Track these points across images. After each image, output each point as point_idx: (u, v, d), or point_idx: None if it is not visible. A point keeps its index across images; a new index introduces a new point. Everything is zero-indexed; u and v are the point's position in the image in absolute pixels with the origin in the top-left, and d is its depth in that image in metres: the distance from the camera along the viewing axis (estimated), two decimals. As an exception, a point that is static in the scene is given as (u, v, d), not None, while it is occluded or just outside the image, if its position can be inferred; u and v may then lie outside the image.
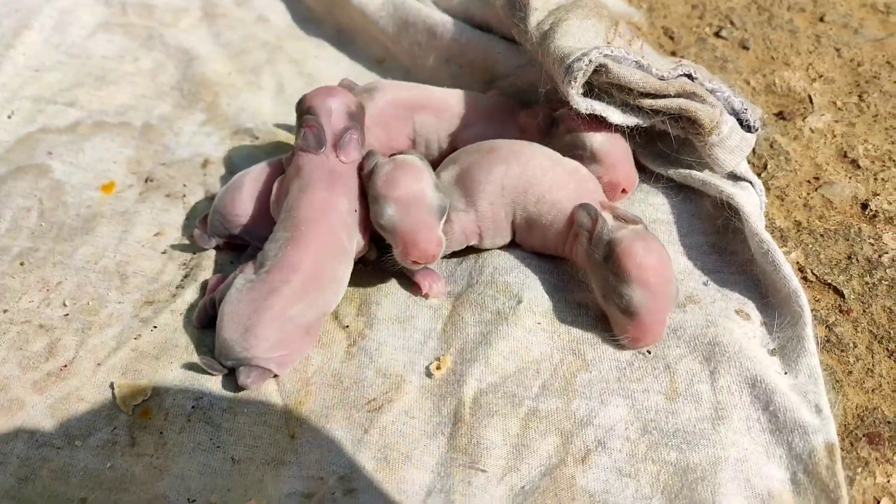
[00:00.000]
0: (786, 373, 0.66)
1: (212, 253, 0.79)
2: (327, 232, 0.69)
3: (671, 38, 1.06)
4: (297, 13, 1.09)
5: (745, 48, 1.03)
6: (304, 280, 0.67)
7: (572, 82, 0.70)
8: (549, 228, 0.71)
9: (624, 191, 0.75)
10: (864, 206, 0.82)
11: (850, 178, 0.85)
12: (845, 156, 0.88)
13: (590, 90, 0.72)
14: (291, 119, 0.89)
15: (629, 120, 0.73)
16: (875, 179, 0.85)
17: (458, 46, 0.90)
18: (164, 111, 0.93)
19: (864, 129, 0.90)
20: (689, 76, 0.73)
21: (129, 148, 0.89)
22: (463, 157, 0.75)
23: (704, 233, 0.76)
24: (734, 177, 0.75)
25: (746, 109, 0.73)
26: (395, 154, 0.74)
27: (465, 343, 0.69)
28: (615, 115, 0.73)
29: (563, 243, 0.72)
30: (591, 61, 0.69)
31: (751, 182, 0.75)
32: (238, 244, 0.79)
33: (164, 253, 0.79)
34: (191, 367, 0.69)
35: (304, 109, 0.75)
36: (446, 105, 0.81)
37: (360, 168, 0.73)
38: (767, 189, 0.84)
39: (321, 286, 0.68)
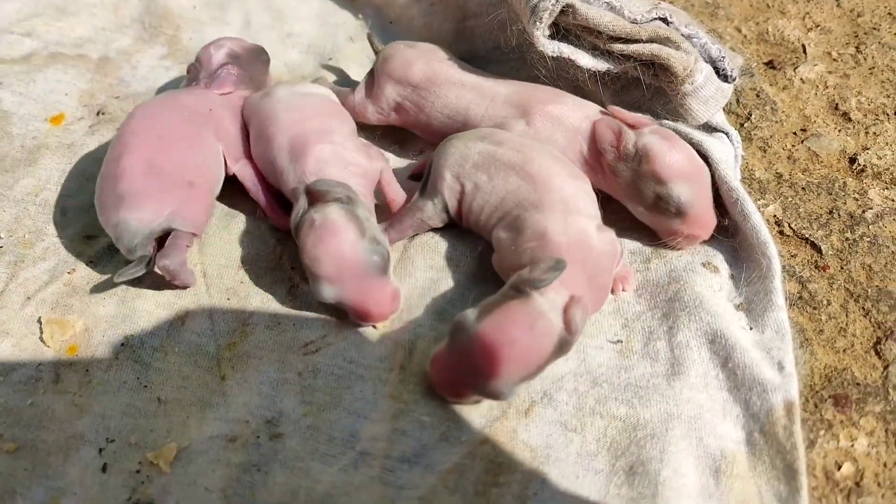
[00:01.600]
0: (751, 328, 0.62)
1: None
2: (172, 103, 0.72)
3: (661, -18, 1.00)
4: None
5: (740, -5, 0.98)
6: (146, 135, 0.68)
7: (537, 23, 0.65)
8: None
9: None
10: (853, 160, 0.77)
11: (839, 130, 0.80)
12: (836, 108, 0.83)
13: (559, 33, 0.68)
14: (253, 55, 0.85)
15: (599, 65, 0.68)
16: (866, 133, 0.79)
17: (429, -18, 0.85)
18: (124, 44, 0.90)
19: (858, 82, 0.85)
20: (665, 20, 0.68)
21: (82, 80, 0.85)
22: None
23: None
24: (709, 128, 0.70)
25: (724, 57, 0.67)
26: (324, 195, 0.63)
27: (412, 288, 0.66)
28: (584, 59, 0.68)
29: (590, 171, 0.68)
30: (557, 1, 0.64)
31: (727, 133, 0.70)
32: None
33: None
34: (125, 303, 0.66)
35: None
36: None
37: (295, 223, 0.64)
38: (749, 140, 0.79)
39: (169, 138, 0.68)
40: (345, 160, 0.67)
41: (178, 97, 0.73)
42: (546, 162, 0.64)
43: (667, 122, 0.70)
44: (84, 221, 0.72)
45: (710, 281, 0.65)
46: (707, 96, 0.68)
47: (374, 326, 0.63)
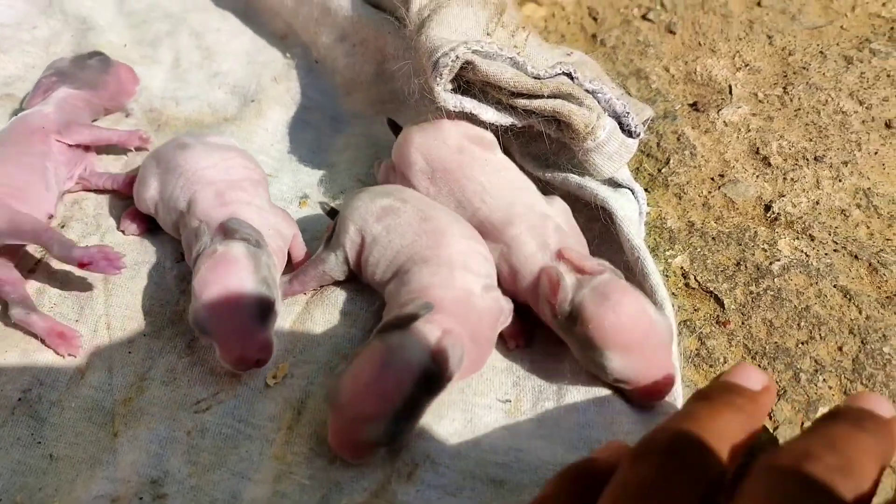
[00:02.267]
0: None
1: (70, 236, 0.75)
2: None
3: (595, 19, 1.00)
4: (209, -21, 1.05)
5: (672, 32, 0.97)
6: None
7: (438, 78, 0.65)
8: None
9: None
10: (768, 207, 0.77)
11: (757, 176, 0.80)
12: (757, 152, 0.82)
13: (465, 87, 0.68)
14: (181, 94, 0.86)
15: (503, 119, 0.68)
16: (784, 179, 0.79)
17: (350, 24, 0.85)
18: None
19: (782, 124, 0.85)
20: (570, 75, 0.68)
21: (4, 122, 0.85)
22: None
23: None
24: (614, 183, 0.70)
25: (629, 113, 0.67)
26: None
27: (308, 343, 0.66)
28: (488, 114, 0.68)
29: (535, 303, 0.64)
30: (457, 57, 0.64)
31: (632, 190, 0.70)
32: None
33: (20, 234, 0.76)
34: (27, 354, 0.66)
35: None
36: None
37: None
38: (666, 186, 0.79)
39: None
40: (266, 221, 0.68)
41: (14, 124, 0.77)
42: (444, 221, 0.65)
43: (572, 176, 0.70)
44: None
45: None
46: (611, 152, 0.68)
47: (267, 384, 0.64)
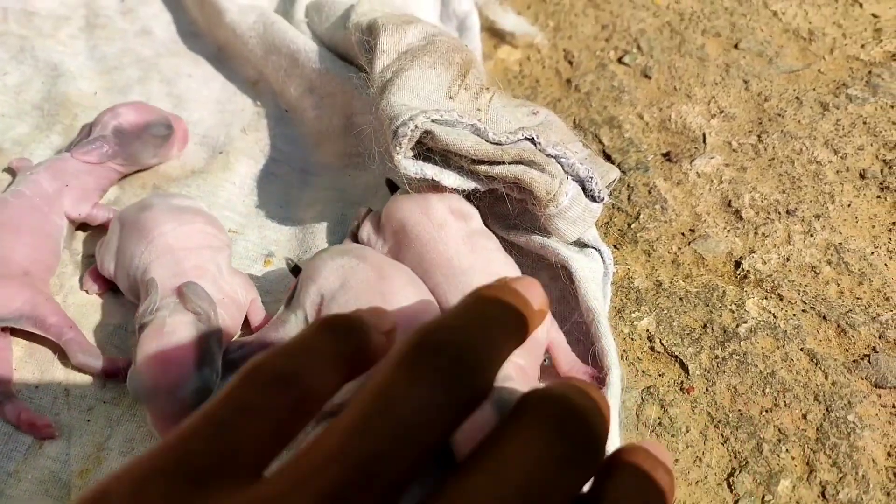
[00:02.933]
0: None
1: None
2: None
3: (570, 62, 0.99)
4: (182, 26, 1.04)
5: (647, 77, 0.96)
6: None
7: (398, 147, 0.64)
8: None
9: None
10: (738, 264, 0.76)
11: (728, 231, 0.79)
12: (729, 205, 0.82)
13: (426, 152, 0.67)
14: (149, 145, 0.85)
15: (466, 184, 0.67)
16: (755, 234, 0.79)
17: (318, 77, 0.84)
18: (21, 132, 0.89)
19: (755, 175, 0.84)
20: (532, 140, 0.67)
21: (-17, 173, 0.85)
22: None
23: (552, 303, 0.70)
24: (581, 243, 0.70)
25: (592, 178, 0.67)
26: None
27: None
28: (450, 179, 0.67)
29: None
30: (416, 127, 0.63)
31: (598, 250, 0.70)
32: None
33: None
34: (-15, 424, 0.66)
35: None
36: None
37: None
38: (635, 242, 0.79)
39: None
40: (221, 290, 0.67)
41: (31, 180, 0.76)
42: (399, 281, 0.64)
43: (536, 236, 0.70)
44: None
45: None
46: (574, 217, 0.67)
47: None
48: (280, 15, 0.93)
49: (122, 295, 0.74)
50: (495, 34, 0.98)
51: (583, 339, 0.67)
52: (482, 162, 0.66)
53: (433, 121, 0.63)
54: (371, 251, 0.68)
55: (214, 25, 0.98)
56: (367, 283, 0.64)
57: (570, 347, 0.68)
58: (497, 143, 0.66)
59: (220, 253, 0.70)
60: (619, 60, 0.99)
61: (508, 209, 0.71)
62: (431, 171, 0.67)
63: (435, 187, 0.68)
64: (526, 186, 0.65)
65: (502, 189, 0.68)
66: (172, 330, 0.61)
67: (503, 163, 0.65)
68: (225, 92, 0.94)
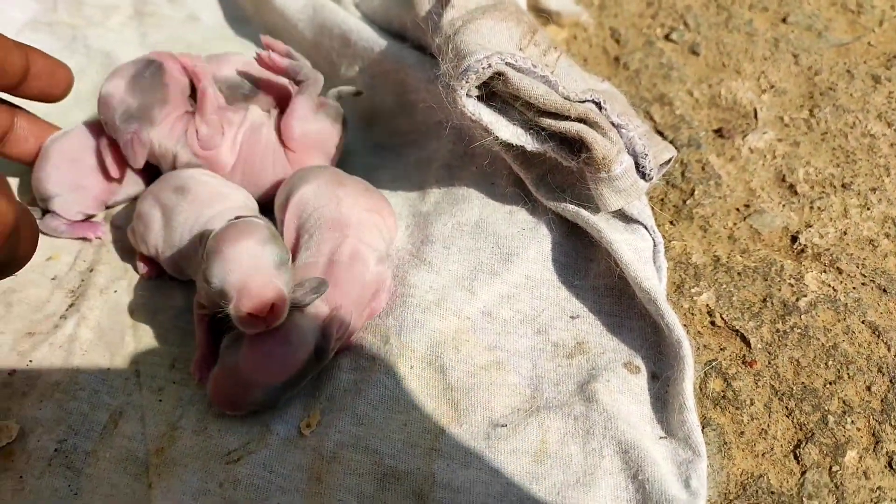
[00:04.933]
0: (666, 436, 0.62)
1: (99, 280, 0.77)
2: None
3: (617, 41, 0.99)
4: (228, 11, 1.04)
5: (696, 53, 0.96)
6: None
7: (464, 82, 0.64)
8: None
9: None
10: (794, 238, 0.76)
11: (783, 205, 0.79)
12: (783, 180, 0.82)
13: (489, 98, 0.67)
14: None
15: (518, 139, 0.67)
16: (811, 208, 0.79)
17: (370, 56, 0.85)
18: (78, 119, 0.91)
19: (808, 150, 0.84)
20: (599, 104, 0.67)
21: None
22: None
23: (601, 275, 0.71)
24: (626, 218, 0.70)
25: (647, 155, 0.67)
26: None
27: (335, 390, 0.67)
28: (503, 130, 0.67)
29: None
30: (489, 65, 0.63)
31: (644, 225, 0.70)
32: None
33: (53, 279, 0.77)
34: (61, 405, 0.68)
35: None
36: None
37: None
38: (691, 219, 0.79)
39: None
40: None
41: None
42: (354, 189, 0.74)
43: (583, 211, 0.69)
44: (28, 318, 0.74)
45: (629, 383, 0.65)
46: (621, 188, 0.67)
47: (301, 433, 0.64)
48: (326, -3, 0.94)
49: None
50: (541, 14, 0.98)
51: (646, 313, 0.68)
52: (548, 114, 0.65)
53: (507, 63, 0.64)
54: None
55: (262, 10, 0.99)
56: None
57: (634, 322, 0.68)
58: (566, 98, 0.66)
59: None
60: (667, 37, 0.99)
61: (559, 180, 0.71)
62: (488, 116, 0.66)
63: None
64: (587, 145, 0.64)
65: (550, 152, 0.68)
66: (242, 221, 0.64)
67: (568, 118, 0.65)
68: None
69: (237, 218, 0.65)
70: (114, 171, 0.78)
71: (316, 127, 0.78)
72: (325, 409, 0.65)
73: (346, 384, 0.67)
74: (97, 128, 0.81)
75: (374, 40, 0.85)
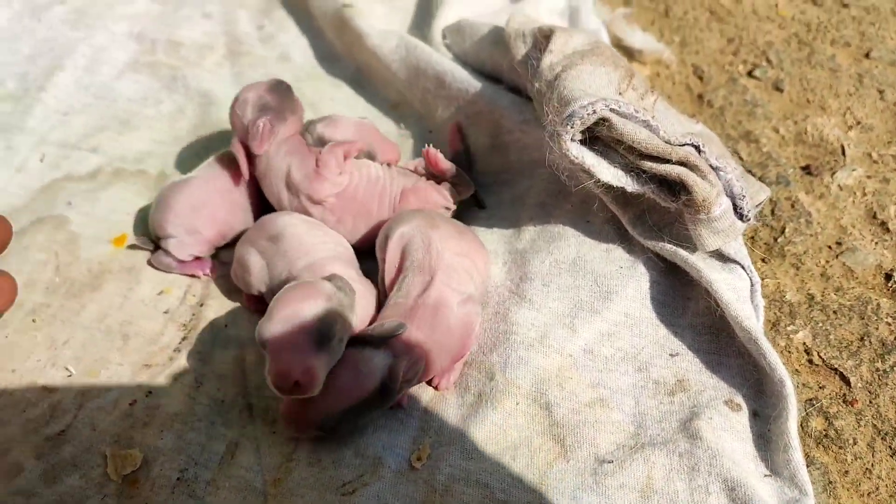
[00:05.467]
0: (770, 474, 0.63)
1: (209, 314, 0.80)
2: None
3: (700, 77, 1.01)
4: (319, 50, 1.08)
5: (779, 90, 0.97)
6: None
7: (569, 128, 0.66)
8: None
9: None
10: (888, 276, 0.77)
11: (876, 243, 0.80)
12: (875, 217, 0.82)
13: (591, 141, 0.69)
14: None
15: (619, 181, 0.69)
16: (904, 245, 0.79)
17: (464, 97, 0.88)
18: (179, 159, 0.95)
19: (898, 187, 0.85)
20: (698, 148, 0.69)
21: (143, 198, 0.91)
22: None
23: (699, 313, 0.72)
24: (723, 257, 0.71)
25: (745, 196, 0.68)
26: None
27: (443, 425, 0.69)
28: (605, 172, 0.69)
29: None
30: (594, 111, 0.66)
31: (741, 265, 0.71)
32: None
33: (165, 313, 0.81)
34: (180, 436, 0.71)
35: None
36: None
37: None
38: (783, 256, 0.80)
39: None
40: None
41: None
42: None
43: (681, 251, 0.71)
44: (145, 350, 0.78)
45: (731, 421, 0.66)
46: (720, 229, 0.68)
47: (412, 466, 0.67)
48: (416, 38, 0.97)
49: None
50: (624, 52, 1.00)
51: (744, 351, 0.69)
52: (649, 157, 0.68)
53: (611, 109, 0.66)
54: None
55: (355, 49, 1.02)
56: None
57: (732, 360, 0.70)
58: (667, 143, 0.68)
59: (350, 265, 0.77)
60: (749, 74, 1.00)
61: (656, 219, 0.73)
62: (591, 159, 0.69)
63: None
64: (688, 187, 0.66)
65: (650, 194, 0.70)
66: (307, 284, 0.67)
67: (669, 161, 0.67)
68: (369, 112, 0.98)
69: (308, 281, 0.68)
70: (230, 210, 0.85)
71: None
72: (434, 443, 0.68)
73: (454, 419, 0.69)
74: (215, 175, 0.85)
75: (469, 81, 0.88)
